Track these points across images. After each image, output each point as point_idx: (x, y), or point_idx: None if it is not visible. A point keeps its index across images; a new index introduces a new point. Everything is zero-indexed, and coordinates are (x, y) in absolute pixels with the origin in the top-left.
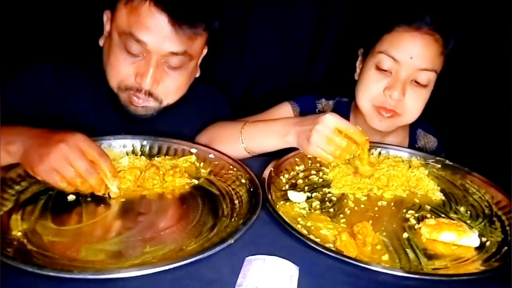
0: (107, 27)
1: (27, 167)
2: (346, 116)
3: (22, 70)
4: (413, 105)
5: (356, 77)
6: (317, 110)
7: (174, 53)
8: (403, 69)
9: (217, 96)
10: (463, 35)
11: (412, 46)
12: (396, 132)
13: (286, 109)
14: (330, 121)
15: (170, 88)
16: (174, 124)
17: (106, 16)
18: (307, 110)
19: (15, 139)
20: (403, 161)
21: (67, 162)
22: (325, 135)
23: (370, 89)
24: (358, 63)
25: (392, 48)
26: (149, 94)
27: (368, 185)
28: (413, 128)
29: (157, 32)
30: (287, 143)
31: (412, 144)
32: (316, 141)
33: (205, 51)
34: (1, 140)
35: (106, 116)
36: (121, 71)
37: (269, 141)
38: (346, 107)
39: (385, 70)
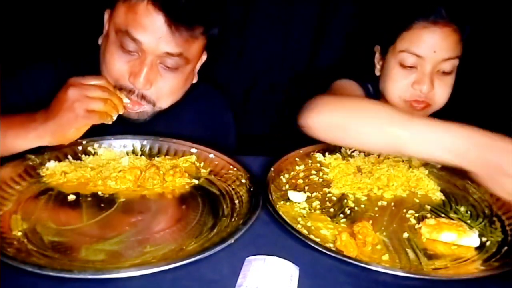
0: (106, 26)
1: (67, 133)
2: None
3: (22, 70)
4: (442, 94)
5: (377, 73)
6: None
7: (169, 54)
8: (428, 63)
9: (217, 97)
10: (477, 21)
11: (433, 40)
12: None
13: (354, 87)
14: None
15: (163, 90)
16: (174, 125)
17: (107, 15)
18: (365, 92)
19: (32, 126)
20: (403, 161)
21: (89, 99)
22: None
23: (399, 86)
24: (376, 60)
25: (413, 45)
26: (142, 96)
27: (368, 185)
28: None
29: (153, 32)
30: (460, 164)
31: None
32: None
33: (204, 57)
34: (20, 134)
35: None
36: (115, 69)
37: (433, 152)
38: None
39: (410, 66)
